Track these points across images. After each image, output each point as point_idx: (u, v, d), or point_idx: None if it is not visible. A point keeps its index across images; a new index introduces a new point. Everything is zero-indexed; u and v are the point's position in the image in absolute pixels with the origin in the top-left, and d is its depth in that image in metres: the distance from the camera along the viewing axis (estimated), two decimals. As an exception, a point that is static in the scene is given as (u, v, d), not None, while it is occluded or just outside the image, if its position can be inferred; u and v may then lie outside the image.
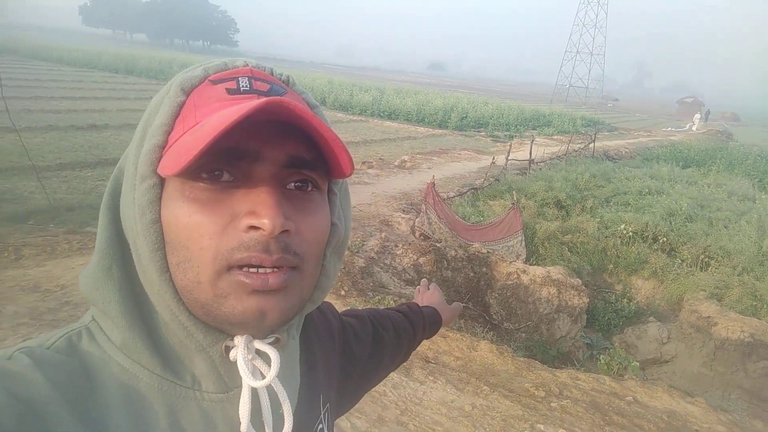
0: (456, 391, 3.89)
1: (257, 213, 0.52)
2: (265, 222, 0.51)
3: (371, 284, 5.92)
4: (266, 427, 0.59)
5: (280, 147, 0.55)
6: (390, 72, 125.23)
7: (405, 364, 4.11)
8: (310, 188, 0.58)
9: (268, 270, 0.53)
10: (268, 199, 0.52)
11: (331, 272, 0.64)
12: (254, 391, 0.59)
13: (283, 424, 0.60)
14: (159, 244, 0.53)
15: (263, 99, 0.49)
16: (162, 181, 0.54)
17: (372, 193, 9.98)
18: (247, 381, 0.56)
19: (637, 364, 5.63)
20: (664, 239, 9.25)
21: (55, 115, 14.54)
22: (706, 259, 8.66)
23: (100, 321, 0.58)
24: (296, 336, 0.70)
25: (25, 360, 0.50)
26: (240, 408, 0.57)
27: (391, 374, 3.89)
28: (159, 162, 0.54)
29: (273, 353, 0.57)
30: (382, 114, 25.84)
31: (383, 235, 7.45)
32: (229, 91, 0.56)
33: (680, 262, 8.67)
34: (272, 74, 0.62)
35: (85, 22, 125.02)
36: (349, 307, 3.23)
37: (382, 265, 6.63)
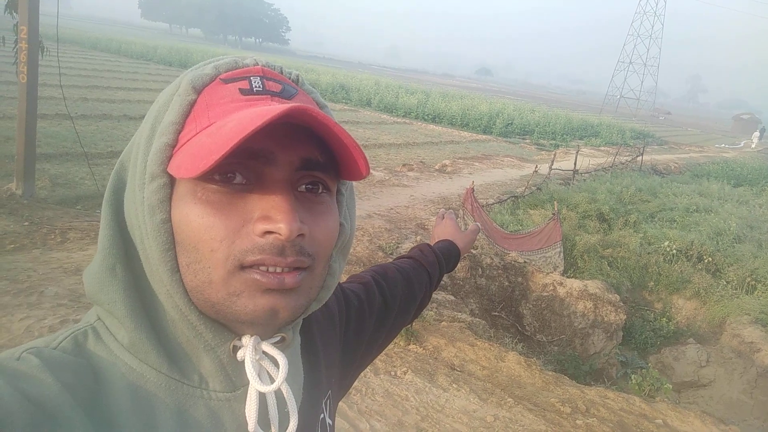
0: (479, 401, 3.85)
1: (272, 218, 0.52)
2: (281, 227, 0.51)
3: (403, 287, 5.90)
4: (272, 426, 0.59)
5: (293, 149, 0.55)
6: (438, 75, 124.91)
7: (429, 369, 4.10)
8: (320, 190, 0.58)
9: (284, 270, 0.53)
10: (283, 203, 0.52)
11: (336, 271, 0.64)
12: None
13: (289, 422, 0.60)
14: (170, 244, 0.53)
15: (287, 105, 0.49)
16: (172, 181, 0.54)
17: (410, 195, 9.97)
18: (256, 385, 0.56)
19: (670, 386, 5.45)
20: (710, 259, 8.95)
21: (110, 105, 15.03)
22: (753, 282, 8.35)
23: (105, 320, 0.58)
24: (297, 332, 0.70)
25: (35, 361, 0.50)
26: (246, 408, 0.57)
27: (415, 379, 3.89)
28: (169, 161, 0.54)
29: (281, 358, 0.57)
30: (426, 117, 25.77)
31: (418, 238, 7.43)
32: (242, 92, 0.56)
33: (725, 283, 8.38)
34: (282, 73, 0.62)
35: (143, 16, 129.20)
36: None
37: (415, 268, 6.61)
